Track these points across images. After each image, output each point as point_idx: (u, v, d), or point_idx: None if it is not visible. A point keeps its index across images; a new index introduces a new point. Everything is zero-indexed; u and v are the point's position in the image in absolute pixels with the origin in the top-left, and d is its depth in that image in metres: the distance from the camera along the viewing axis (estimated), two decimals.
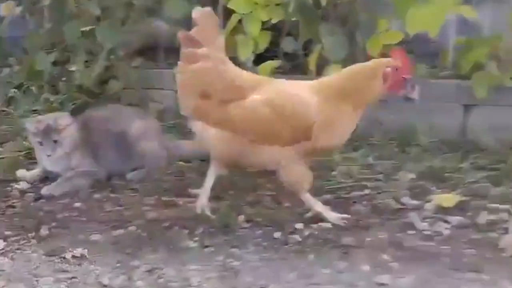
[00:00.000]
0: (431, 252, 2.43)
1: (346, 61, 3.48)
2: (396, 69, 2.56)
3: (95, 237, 2.60)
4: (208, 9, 2.72)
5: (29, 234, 2.61)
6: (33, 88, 4.10)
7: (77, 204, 2.90)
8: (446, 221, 2.65)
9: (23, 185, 3.10)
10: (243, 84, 2.65)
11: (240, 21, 3.63)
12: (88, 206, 2.89)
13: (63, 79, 4.06)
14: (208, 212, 2.70)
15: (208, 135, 2.67)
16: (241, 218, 2.68)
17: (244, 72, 2.73)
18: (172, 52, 4.42)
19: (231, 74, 2.68)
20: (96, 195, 3.00)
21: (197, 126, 2.72)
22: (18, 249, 2.51)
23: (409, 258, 2.38)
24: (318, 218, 2.65)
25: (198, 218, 2.68)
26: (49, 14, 4.18)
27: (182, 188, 3.00)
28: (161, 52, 4.30)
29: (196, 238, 2.55)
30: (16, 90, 4.12)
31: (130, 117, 3.24)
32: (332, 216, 2.64)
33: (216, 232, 2.59)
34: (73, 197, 2.97)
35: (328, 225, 2.63)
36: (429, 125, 3.44)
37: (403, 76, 2.57)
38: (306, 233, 2.58)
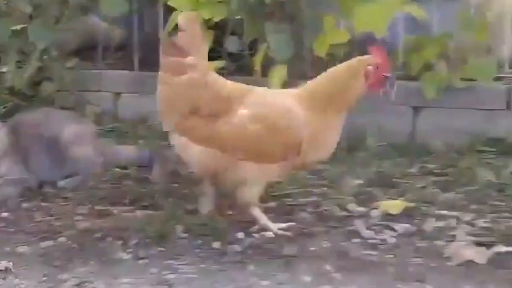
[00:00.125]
0: (376, 261, 2.45)
1: (293, 61, 3.50)
2: (377, 67, 2.57)
3: (22, 249, 2.56)
4: (193, 13, 2.69)
5: None
6: None
7: (5, 214, 2.86)
8: (392, 229, 2.68)
9: None
10: (230, 95, 2.60)
11: None
12: (17, 216, 2.85)
13: None
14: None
15: (192, 151, 2.61)
16: (179, 227, 2.67)
17: (228, 81, 2.68)
18: (111, 52, 4.43)
19: (218, 85, 2.62)
20: (26, 204, 2.96)
21: (179, 141, 2.65)
22: None
23: (353, 268, 2.39)
24: (261, 228, 2.66)
25: (133, 229, 2.66)
26: None
27: (117, 197, 2.97)
28: (99, 51, 4.27)
29: (130, 250, 2.53)
30: None
31: (63, 121, 3.21)
32: (276, 229, 2.64)
33: (151, 243, 2.57)
34: (0, 207, 2.92)
35: (271, 234, 2.63)
36: (378, 128, 3.48)
37: (383, 74, 2.59)
38: (247, 243, 2.58)
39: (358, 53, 2.77)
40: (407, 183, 3.08)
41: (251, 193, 2.62)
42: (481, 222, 2.70)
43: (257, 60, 3.58)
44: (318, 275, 2.34)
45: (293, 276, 2.34)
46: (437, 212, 2.80)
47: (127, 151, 3.33)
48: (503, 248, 2.46)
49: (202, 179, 2.73)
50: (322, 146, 2.60)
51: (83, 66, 4.09)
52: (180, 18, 2.62)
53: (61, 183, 3.12)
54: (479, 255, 2.42)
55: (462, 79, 3.52)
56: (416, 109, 3.57)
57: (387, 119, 3.53)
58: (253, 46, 3.80)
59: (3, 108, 3.84)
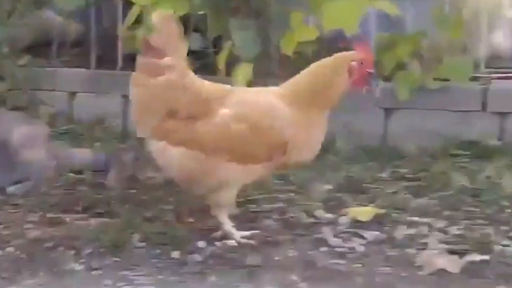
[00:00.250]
0: (344, 271, 2.44)
1: (259, 59, 3.50)
2: (361, 62, 2.57)
3: None
4: (169, 13, 2.67)
5: None
6: None
7: None
8: (361, 237, 2.68)
9: None
10: (209, 96, 2.59)
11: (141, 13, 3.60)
12: None
13: None
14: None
15: (171, 155, 2.59)
16: (136, 236, 2.65)
17: (206, 82, 2.66)
18: (66, 48, 4.40)
19: (196, 86, 2.61)
20: None
21: (157, 146, 2.61)
22: None
23: (320, 278, 2.39)
24: (224, 235, 2.65)
25: (86, 237, 2.64)
26: None
27: (71, 203, 2.95)
28: (53, 48, 4.24)
29: (83, 260, 2.50)
30: None
31: (13, 122, 3.18)
32: (239, 237, 2.63)
33: (106, 253, 2.55)
34: None
35: (233, 242, 2.62)
36: (348, 131, 3.48)
37: (367, 70, 2.59)
38: (208, 252, 2.56)
39: (327, 52, 2.77)
40: (377, 188, 3.09)
41: (228, 195, 2.61)
42: (454, 229, 2.71)
43: (221, 58, 3.58)
44: (283, 286, 2.33)
45: (257, 287, 2.33)
46: (408, 218, 2.81)
47: (82, 155, 3.31)
48: (477, 257, 2.47)
49: (179, 184, 2.70)
50: (306, 145, 2.60)
51: (37, 64, 4.07)
52: (155, 17, 2.61)
53: (11, 189, 3.09)
54: (452, 264, 2.43)
55: (436, 79, 3.54)
56: (388, 111, 3.58)
57: (359, 121, 3.53)
58: (217, 44, 3.79)
59: None
